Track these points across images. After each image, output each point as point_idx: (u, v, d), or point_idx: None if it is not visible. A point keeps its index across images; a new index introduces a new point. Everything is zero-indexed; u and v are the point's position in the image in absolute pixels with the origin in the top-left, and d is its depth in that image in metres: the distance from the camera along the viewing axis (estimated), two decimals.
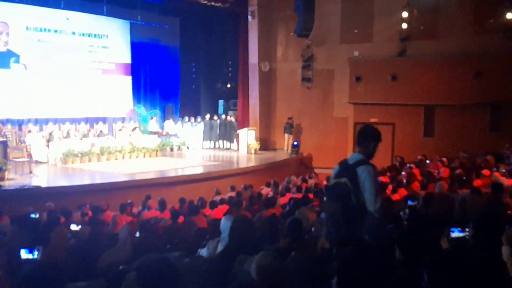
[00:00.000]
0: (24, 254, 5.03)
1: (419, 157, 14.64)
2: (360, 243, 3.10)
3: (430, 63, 17.43)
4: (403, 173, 12.41)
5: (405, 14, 17.57)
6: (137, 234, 6.42)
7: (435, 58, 17.31)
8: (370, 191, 3.92)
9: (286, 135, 19.72)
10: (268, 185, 12.67)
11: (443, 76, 17.07)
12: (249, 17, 19.76)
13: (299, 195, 9.58)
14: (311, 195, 9.62)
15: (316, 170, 17.39)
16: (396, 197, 8.72)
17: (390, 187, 10.09)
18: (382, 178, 11.83)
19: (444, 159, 13.43)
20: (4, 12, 16.46)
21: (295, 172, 17.14)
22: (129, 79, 20.53)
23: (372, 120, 18.58)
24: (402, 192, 9.40)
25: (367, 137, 4.12)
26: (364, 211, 3.93)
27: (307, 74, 19.81)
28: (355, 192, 3.93)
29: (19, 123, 16.99)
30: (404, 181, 10.77)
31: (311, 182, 13.26)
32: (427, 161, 14.25)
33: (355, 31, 18.72)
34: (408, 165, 13.42)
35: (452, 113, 17.38)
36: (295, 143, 19.53)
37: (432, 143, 17.12)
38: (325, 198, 4.92)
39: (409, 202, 7.23)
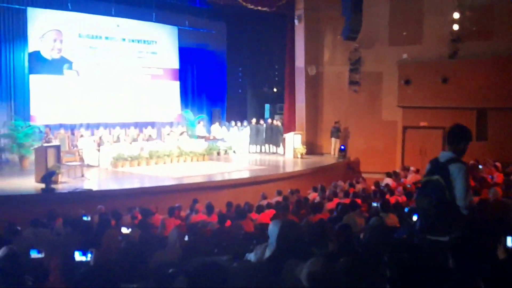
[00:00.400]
0: (78, 256, 5.19)
1: (471, 162, 14.20)
2: (412, 250, 3.03)
3: (482, 65, 16.91)
4: None
5: (456, 15, 17.11)
6: (186, 238, 6.49)
7: (487, 59, 16.79)
8: (462, 187, 4.16)
9: (333, 139, 19.55)
10: (315, 189, 12.58)
11: (496, 77, 16.54)
12: (296, 21, 19.71)
13: (347, 200, 9.46)
14: (359, 200, 9.50)
15: (364, 175, 17.11)
16: None
17: None
18: None
19: (498, 164, 13.01)
20: (58, 20, 17.08)
21: (342, 176, 16.96)
22: (177, 84, 20.87)
23: (422, 123, 18.24)
24: None
25: (457, 136, 4.35)
26: (456, 206, 4.15)
27: (354, 77, 19.58)
28: (448, 188, 4.17)
29: (72, 128, 17.55)
30: None
31: (359, 187, 13.08)
32: (480, 166, 13.80)
33: (404, 33, 18.37)
34: None
35: (506, 116, 16.82)
36: (342, 147, 19.33)
37: (485, 148, 16.56)
38: (415, 195, 5.08)
39: None
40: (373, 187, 12.14)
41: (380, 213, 7.37)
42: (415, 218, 5.94)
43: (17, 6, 16.47)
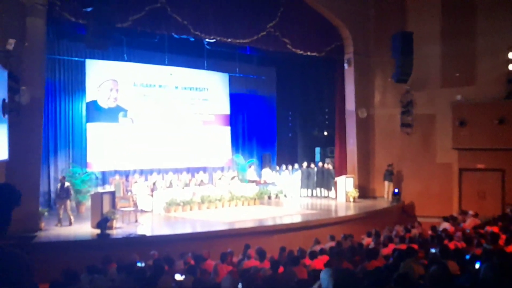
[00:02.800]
0: None
1: None
2: None
3: None
4: None
5: (511, 55, 16.78)
6: (240, 285, 6.41)
7: None
8: None
9: (386, 183, 19.18)
10: (369, 234, 12.27)
11: None
12: (345, 65, 19.79)
13: (403, 246, 9.16)
14: (415, 246, 9.17)
15: (420, 219, 16.61)
16: (510, 249, 8.09)
17: (503, 237, 9.41)
18: (493, 229, 11.09)
19: None
20: (114, 70, 17.79)
21: (397, 221, 16.51)
22: (227, 129, 21.15)
23: (479, 166, 17.70)
24: None
25: None
26: None
27: (406, 120, 19.33)
28: None
29: (126, 174, 17.97)
30: None
31: (415, 231, 12.65)
32: None
33: (457, 74, 18.09)
34: None
35: None
36: (396, 190, 18.88)
37: None
38: None
39: None
40: (430, 232, 11.74)
41: (439, 260, 7.08)
42: (477, 265, 5.67)
43: (76, 59, 17.31)
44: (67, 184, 13.80)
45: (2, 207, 2.33)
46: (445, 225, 12.85)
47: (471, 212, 14.39)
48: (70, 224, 13.24)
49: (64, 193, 13.45)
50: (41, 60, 12.99)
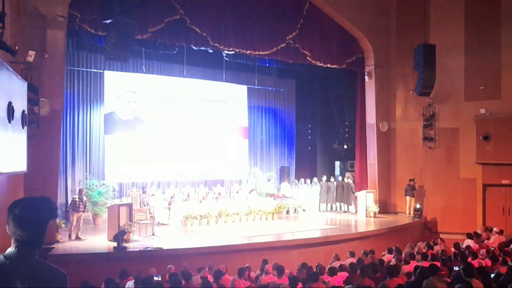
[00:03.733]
0: None
1: None
2: None
3: None
4: None
5: None
6: None
7: None
8: None
9: (408, 198, 18.99)
10: (390, 251, 12.17)
11: None
12: (366, 77, 19.75)
13: (425, 263, 9.08)
14: (438, 263, 9.09)
15: (442, 235, 16.38)
16: None
17: None
18: None
19: None
20: (133, 82, 18.01)
21: (419, 237, 16.38)
22: (246, 142, 21.22)
23: (504, 181, 17.47)
24: None
25: None
26: None
27: (429, 133, 19.19)
28: None
29: (143, 186, 18.08)
30: None
31: (437, 248, 12.53)
32: None
33: (481, 87, 17.94)
34: None
35: None
36: (418, 206, 18.71)
37: None
38: None
39: None
40: (453, 249, 11.63)
41: (463, 278, 7.00)
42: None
43: (94, 70, 17.59)
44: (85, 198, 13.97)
45: (42, 220, 2.42)
46: (469, 242, 12.72)
47: (495, 229, 14.21)
48: (78, 238, 13.23)
49: (82, 206, 13.57)
50: (60, 71, 13.24)
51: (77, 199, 13.58)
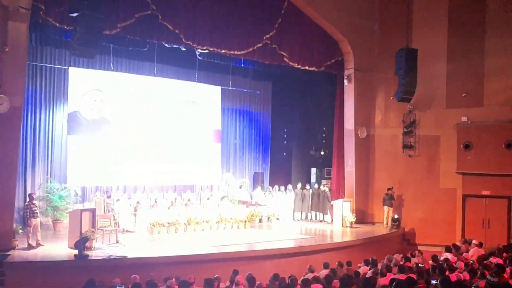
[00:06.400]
0: None
1: None
2: None
3: None
4: None
5: None
6: None
7: None
8: None
9: (386, 208, 19.22)
10: (366, 263, 12.29)
11: None
12: (345, 81, 19.94)
13: (402, 276, 9.21)
14: (415, 276, 9.22)
15: (420, 247, 16.63)
16: None
17: (507, 270, 9.48)
18: (498, 260, 11.16)
19: None
20: (99, 80, 17.78)
21: (396, 249, 16.55)
22: (218, 146, 21.17)
23: (485, 192, 17.81)
24: None
25: None
26: None
27: (409, 141, 19.47)
28: None
29: (108, 191, 17.85)
30: None
31: (415, 261, 12.70)
32: None
33: (463, 95, 18.28)
34: None
35: None
36: (396, 216, 18.93)
37: None
38: None
39: None
40: (431, 262, 11.78)
41: None
42: None
43: (59, 66, 17.33)
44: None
45: None
46: (447, 254, 12.91)
47: (475, 242, 14.46)
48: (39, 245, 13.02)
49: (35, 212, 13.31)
50: (22, 66, 13.04)
51: (31, 205, 13.24)
